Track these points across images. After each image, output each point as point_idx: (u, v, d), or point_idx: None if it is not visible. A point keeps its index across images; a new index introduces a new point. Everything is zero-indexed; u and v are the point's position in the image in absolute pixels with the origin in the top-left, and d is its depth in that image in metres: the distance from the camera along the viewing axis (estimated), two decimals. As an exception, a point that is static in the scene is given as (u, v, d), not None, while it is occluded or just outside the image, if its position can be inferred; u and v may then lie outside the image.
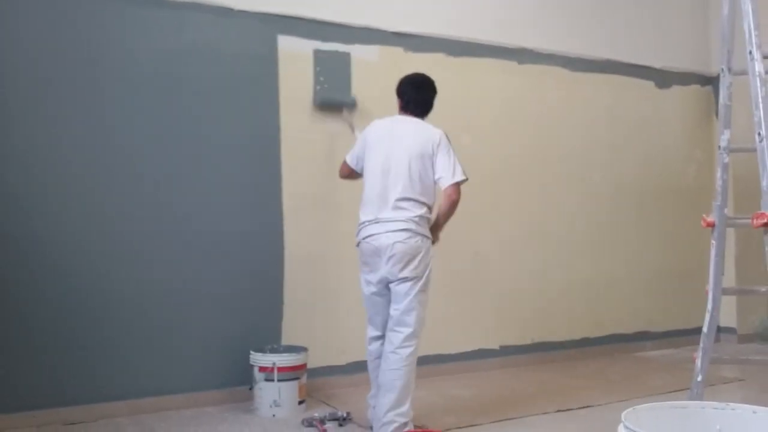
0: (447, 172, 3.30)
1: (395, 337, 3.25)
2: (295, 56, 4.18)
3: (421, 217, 3.29)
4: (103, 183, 3.68)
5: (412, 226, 3.25)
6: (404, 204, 3.27)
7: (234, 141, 4.01)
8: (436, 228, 3.40)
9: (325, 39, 4.26)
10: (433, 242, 3.40)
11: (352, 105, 4.25)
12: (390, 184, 3.30)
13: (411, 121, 3.45)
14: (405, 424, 3.19)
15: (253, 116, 4.07)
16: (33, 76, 3.54)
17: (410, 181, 3.28)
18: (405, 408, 3.20)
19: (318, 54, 4.23)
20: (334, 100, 4.25)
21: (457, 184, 3.30)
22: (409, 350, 3.23)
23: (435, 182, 3.35)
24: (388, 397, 3.19)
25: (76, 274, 3.62)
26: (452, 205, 3.32)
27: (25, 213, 3.52)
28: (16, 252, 3.50)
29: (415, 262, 3.24)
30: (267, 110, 4.10)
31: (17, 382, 3.48)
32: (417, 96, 3.50)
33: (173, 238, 3.84)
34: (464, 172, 3.33)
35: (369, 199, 3.36)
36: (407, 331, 3.24)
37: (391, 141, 3.37)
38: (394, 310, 3.28)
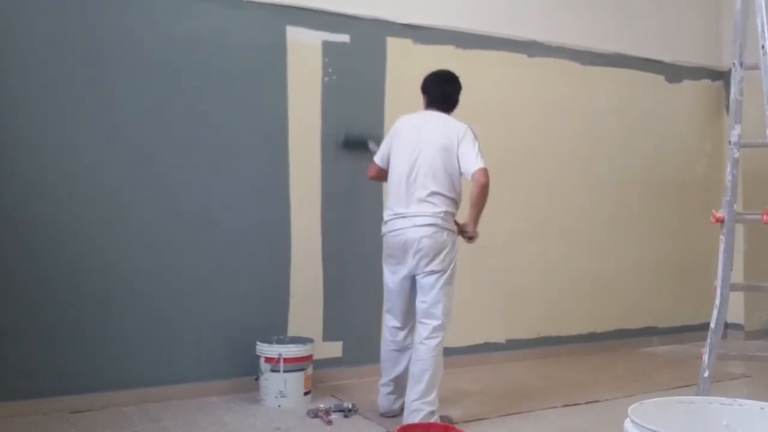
0: (472, 159, 3.29)
1: (423, 328, 3.30)
2: (304, 47, 4.16)
3: (446, 212, 3.31)
4: (109, 172, 3.68)
5: (439, 221, 3.28)
6: (430, 198, 3.29)
7: (242, 132, 4.00)
8: (471, 221, 3.34)
9: (333, 30, 4.25)
10: (472, 237, 3.37)
11: (377, 140, 3.97)
12: (416, 179, 3.32)
13: (437, 117, 3.46)
14: (432, 412, 3.23)
15: (261, 107, 4.06)
16: (39, 64, 3.54)
17: (436, 175, 3.30)
18: (431, 397, 3.25)
19: (327, 45, 4.23)
20: (361, 137, 4.19)
21: (484, 169, 3.27)
22: (436, 341, 3.28)
23: (460, 174, 3.35)
24: (417, 386, 3.24)
25: (84, 264, 3.62)
26: (482, 190, 3.26)
27: (32, 202, 3.53)
28: (24, 240, 3.51)
29: (441, 256, 3.27)
30: (275, 101, 4.09)
31: (24, 370, 3.50)
32: (442, 92, 3.52)
33: (180, 228, 3.84)
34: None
35: (395, 193, 3.39)
36: (435, 323, 3.28)
37: (417, 136, 3.39)
38: (421, 302, 3.32)
